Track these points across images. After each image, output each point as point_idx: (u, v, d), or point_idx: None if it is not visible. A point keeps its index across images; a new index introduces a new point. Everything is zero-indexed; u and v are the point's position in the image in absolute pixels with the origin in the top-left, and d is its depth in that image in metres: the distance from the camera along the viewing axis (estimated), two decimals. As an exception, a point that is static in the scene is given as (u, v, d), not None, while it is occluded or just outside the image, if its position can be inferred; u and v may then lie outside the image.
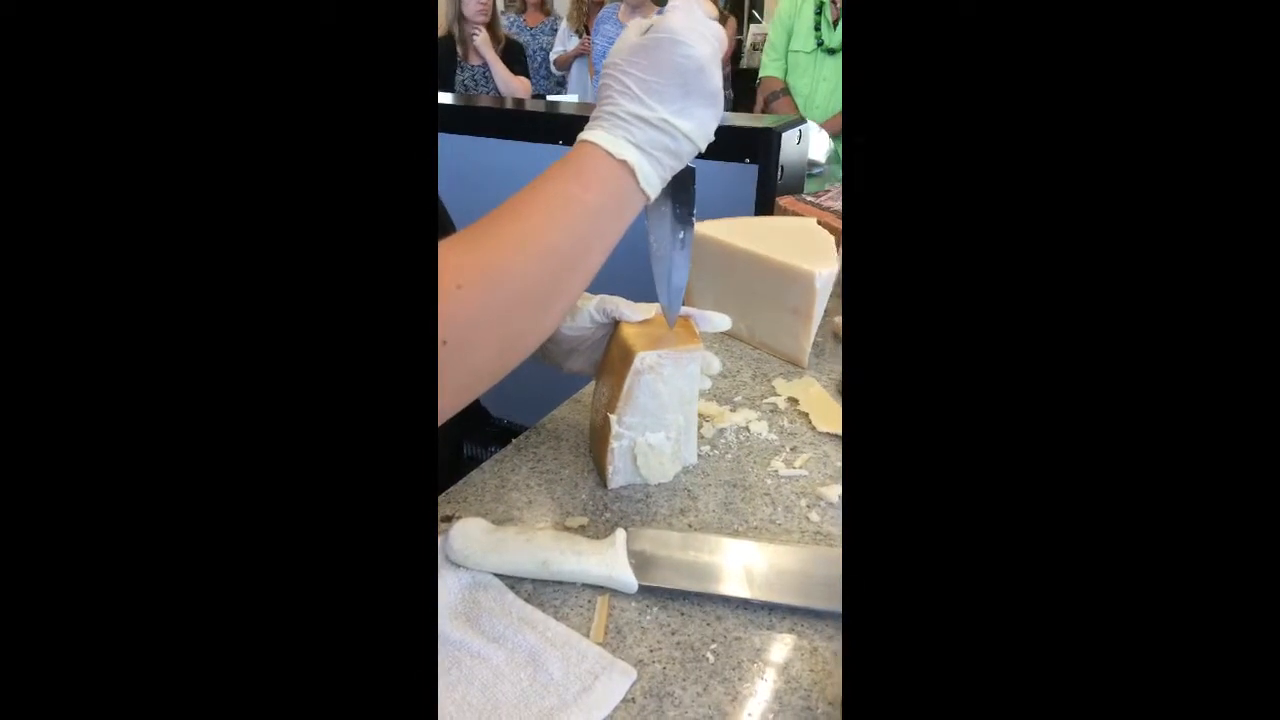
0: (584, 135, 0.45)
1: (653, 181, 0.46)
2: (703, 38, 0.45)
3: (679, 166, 0.48)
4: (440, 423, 0.39)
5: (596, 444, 0.64)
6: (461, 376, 0.42)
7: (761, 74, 2.22)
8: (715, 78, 0.46)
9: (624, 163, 0.44)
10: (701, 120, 0.46)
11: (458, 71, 2.60)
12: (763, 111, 2.20)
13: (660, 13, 0.46)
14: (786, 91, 2.13)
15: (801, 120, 1.44)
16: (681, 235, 0.55)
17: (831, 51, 2.02)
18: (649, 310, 0.61)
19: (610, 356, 0.62)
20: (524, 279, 0.42)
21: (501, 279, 0.42)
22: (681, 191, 0.53)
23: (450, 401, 0.43)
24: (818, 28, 2.03)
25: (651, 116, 0.44)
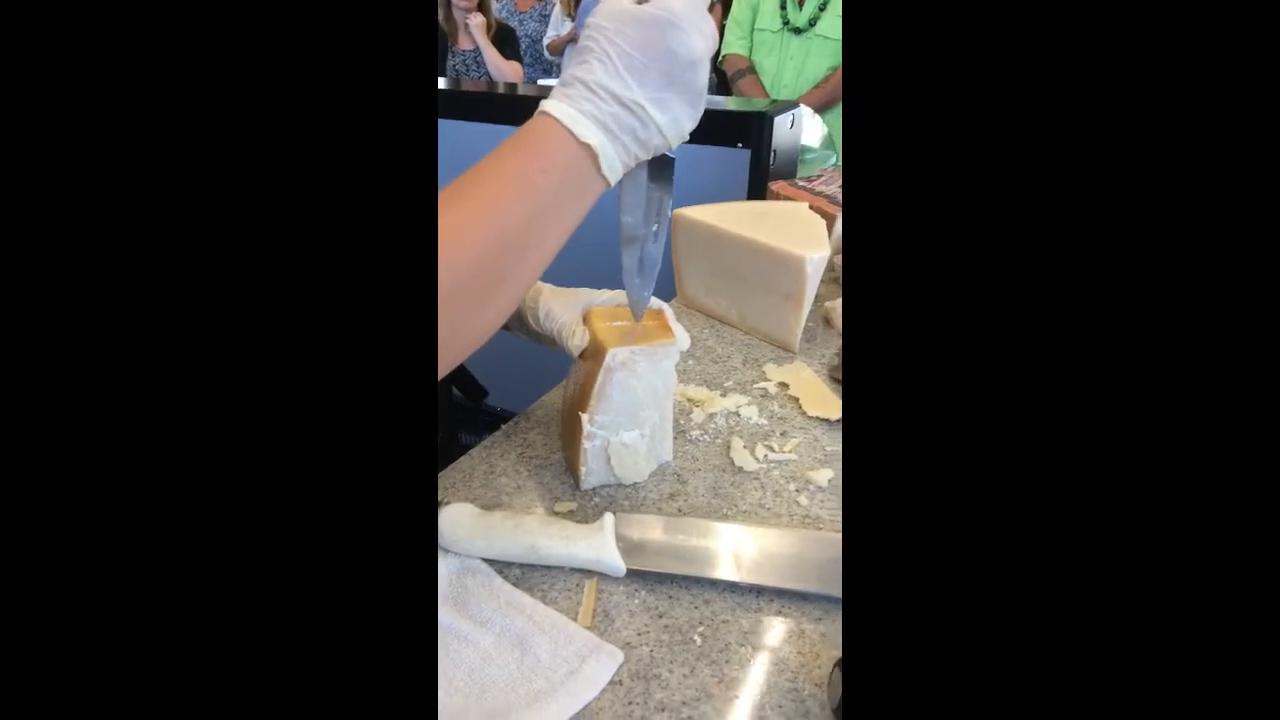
0: (547, 106, 0.41)
1: (615, 167, 0.42)
2: (700, 31, 0.42)
3: (644, 157, 0.44)
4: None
5: (568, 438, 0.62)
6: None
7: (725, 51, 2.15)
8: (703, 76, 0.43)
9: (586, 145, 0.41)
10: (677, 117, 0.43)
11: (449, 56, 2.58)
12: (727, 91, 2.16)
13: None
14: (752, 70, 2.09)
15: (794, 104, 1.43)
16: (656, 225, 0.51)
17: (798, 31, 2.00)
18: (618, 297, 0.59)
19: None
20: (464, 266, 0.38)
21: (440, 266, 0.36)
22: (659, 174, 0.49)
23: None
24: (784, 7, 2.00)
25: (626, 97, 0.41)
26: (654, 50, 0.41)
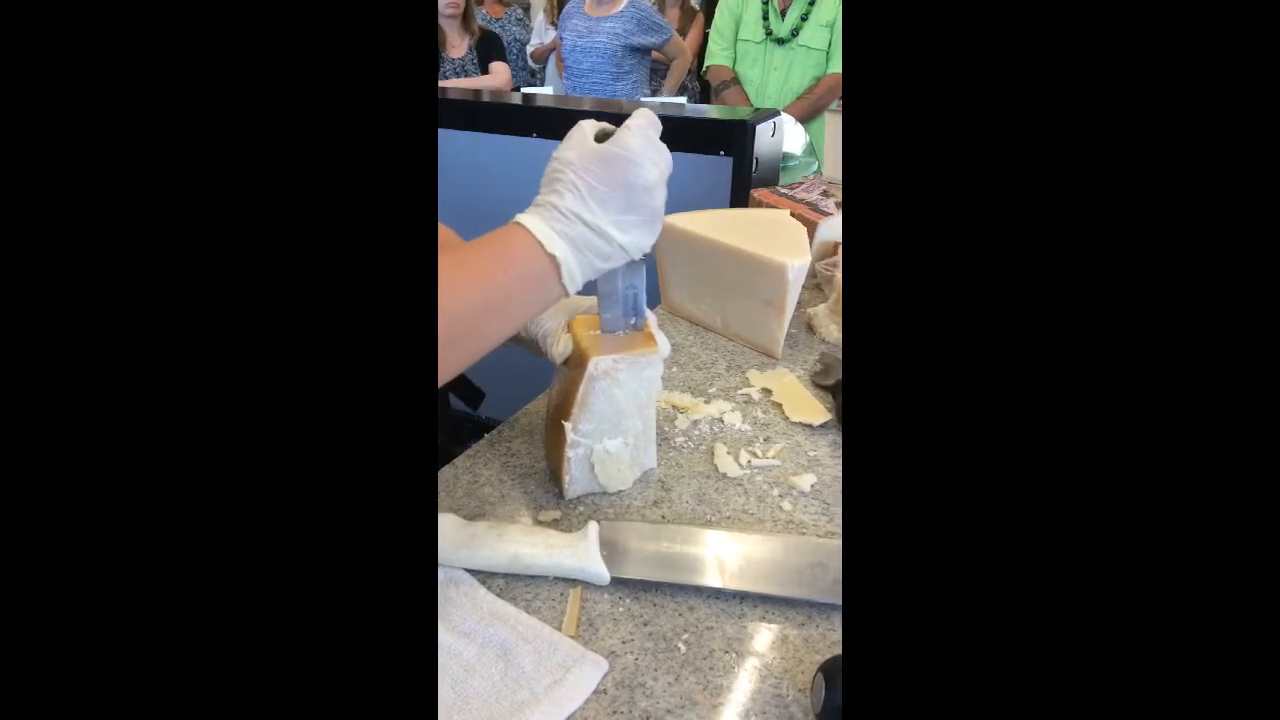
0: (521, 219, 0.47)
1: (576, 278, 0.47)
2: (654, 163, 0.48)
3: (605, 269, 0.50)
4: None
5: (551, 447, 0.62)
6: None
7: (709, 62, 2.19)
8: (659, 199, 0.49)
9: (552, 256, 0.46)
10: (636, 236, 0.49)
11: (439, 64, 2.57)
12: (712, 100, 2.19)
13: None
14: (736, 81, 2.12)
15: (775, 112, 1.44)
16: (634, 318, 0.58)
17: (781, 41, 2.02)
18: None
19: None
20: None
21: None
22: (630, 268, 0.54)
23: None
24: (765, 17, 2.03)
25: (591, 220, 0.47)
26: (615, 181, 0.47)
